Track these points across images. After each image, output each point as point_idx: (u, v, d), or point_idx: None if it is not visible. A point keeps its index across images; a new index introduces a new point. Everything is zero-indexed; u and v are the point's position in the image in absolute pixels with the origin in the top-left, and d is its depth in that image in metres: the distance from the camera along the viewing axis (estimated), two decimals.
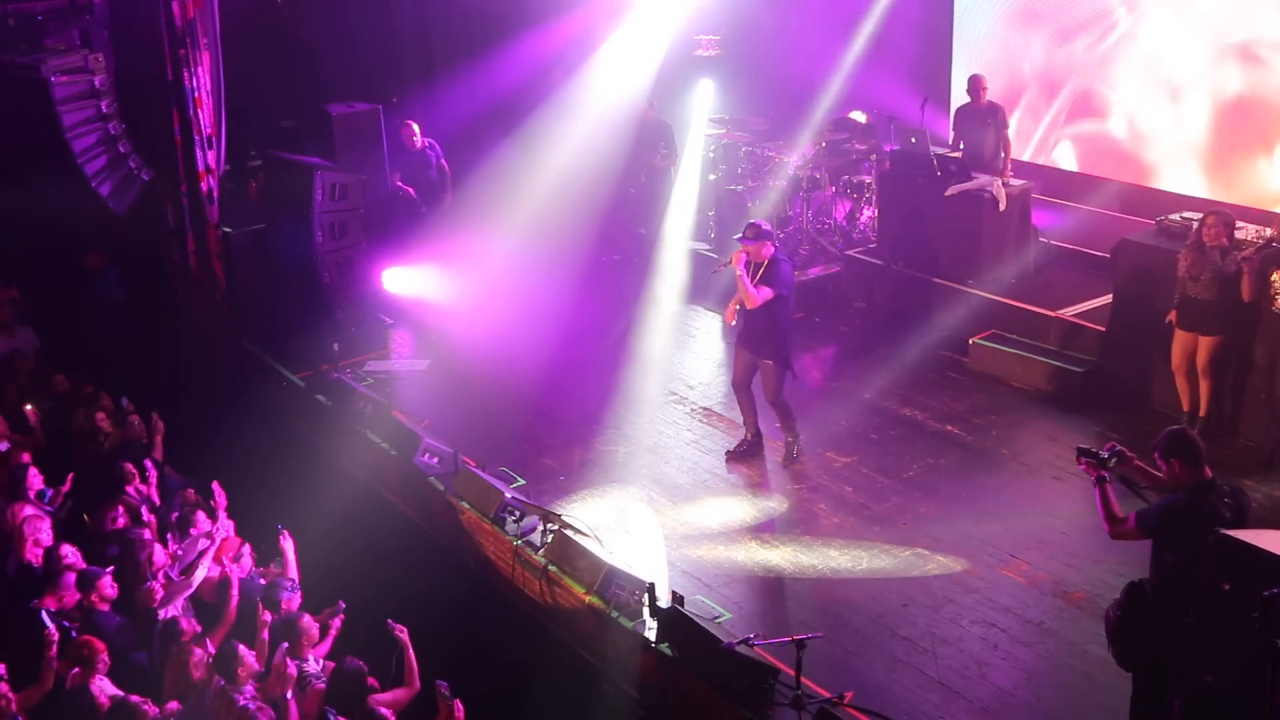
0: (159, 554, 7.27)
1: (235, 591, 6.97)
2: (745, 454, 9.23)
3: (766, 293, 8.64)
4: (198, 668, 6.13)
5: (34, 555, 7.26)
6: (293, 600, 6.98)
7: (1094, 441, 7.85)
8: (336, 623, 6.95)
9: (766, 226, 8.85)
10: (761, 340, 8.87)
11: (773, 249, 8.74)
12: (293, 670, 6.12)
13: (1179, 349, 8.89)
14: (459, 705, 5.85)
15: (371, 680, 6.31)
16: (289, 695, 6.01)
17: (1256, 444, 8.72)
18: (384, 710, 5.90)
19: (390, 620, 6.54)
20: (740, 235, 8.85)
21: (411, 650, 6.46)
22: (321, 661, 6.65)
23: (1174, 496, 5.58)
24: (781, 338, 8.83)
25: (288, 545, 7.51)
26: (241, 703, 5.80)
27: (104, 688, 6.07)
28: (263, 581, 7.35)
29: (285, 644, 6.48)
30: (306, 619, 6.68)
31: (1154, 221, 9.87)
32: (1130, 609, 5.70)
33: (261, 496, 8.45)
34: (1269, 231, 8.90)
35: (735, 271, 8.67)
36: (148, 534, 7.48)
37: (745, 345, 9.02)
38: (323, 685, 6.30)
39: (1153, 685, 5.75)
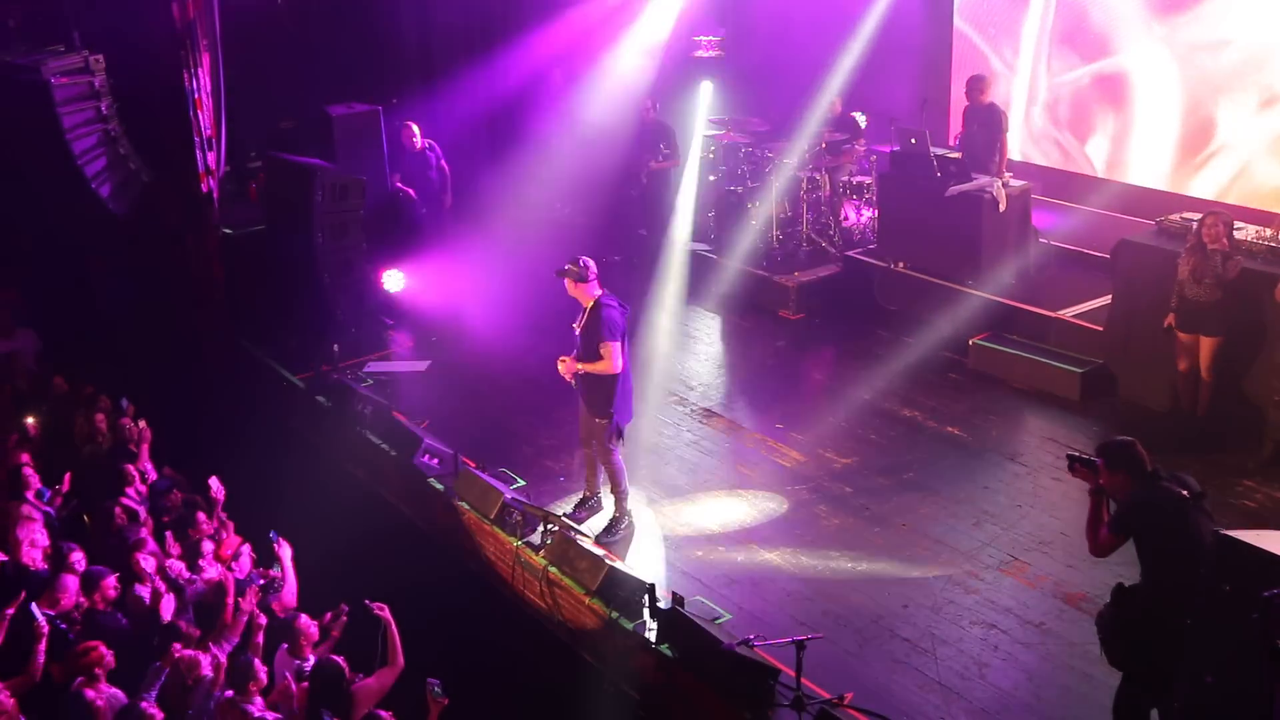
0: (157, 555, 7.27)
1: (231, 593, 6.97)
2: (584, 517, 8.42)
3: (613, 348, 7.70)
4: (194, 670, 6.13)
5: (30, 557, 7.26)
6: (282, 599, 7.01)
7: (1092, 443, 7.84)
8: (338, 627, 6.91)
9: (594, 267, 7.86)
10: (591, 396, 7.97)
11: (599, 291, 7.84)
12: (295, 689, 6.13)
13: (1183, 351, 8.89)
14: (436, 704, 5.90)
15: (354, 679, 6.30)
16: (295, 708, 6.02)
17: (1257, 444, 8.71)
18: (382, 712, 5.90)
19: (367, 600, 6.52)
20: (562, 269, 7.84)
21: (394, 627, 6.44)
22: None
23: (1132, 492, 5.64)
24: (609, 394, 7.89)
25: (284, 552, 7.50)
26: (256, 714, 5.81)
27: (105, 692, 6.05)
28: (262, 583, 7.36)
29: (285, 644, 6.49)
30: (305, 620, 6.67)
31: (1154, 221, 9.86)
32: (1119, 609, 5.74)
33: (261, 497, 8.45)
34: (1269, 232, 8.90)
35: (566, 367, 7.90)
36: (145, 534, 7.49)
37: (582, 399, 8.11)
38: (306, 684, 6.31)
39: (1143, 683, 5.78)
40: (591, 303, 7.82)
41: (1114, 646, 5.80)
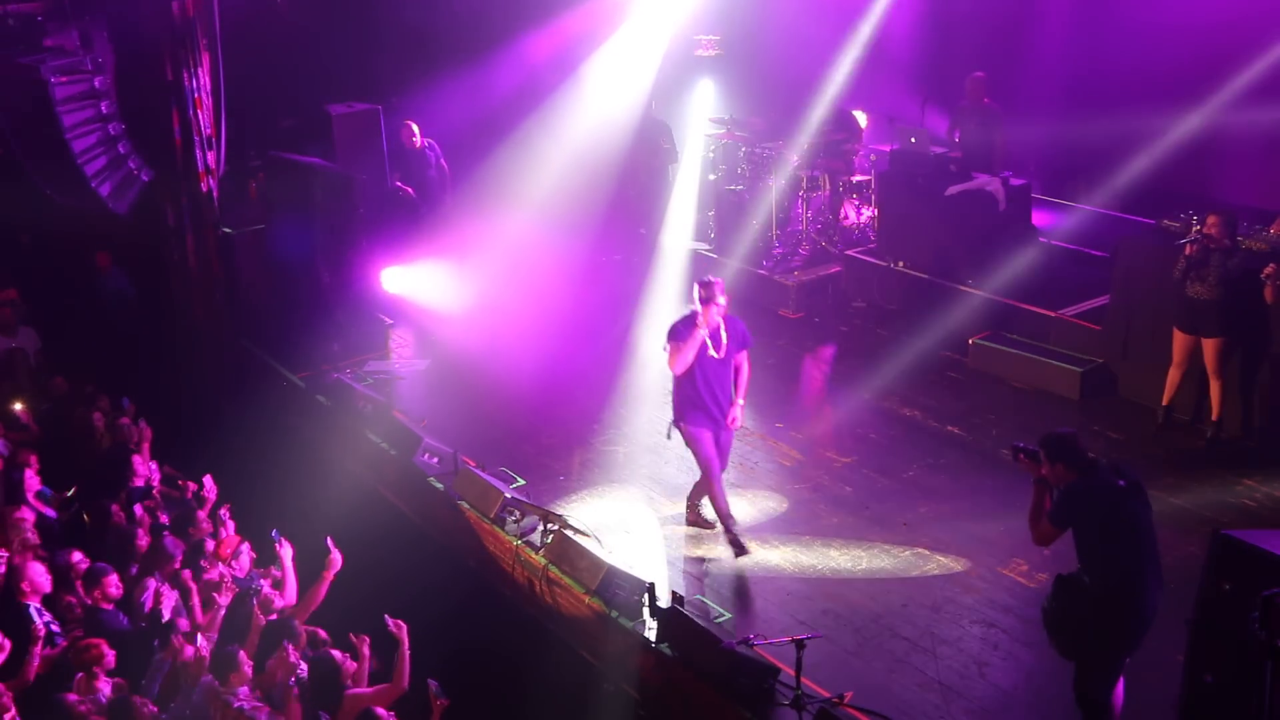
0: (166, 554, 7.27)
1: (226, 592, 6.97)
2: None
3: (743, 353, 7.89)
4: (189, 668, 6.14)
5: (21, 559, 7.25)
6: (275, 599, 7.01)
7: (1092, 444, 7.85)
8: (365, 650, 6.81)
9: (720, 280, 7.70)
10: (731, 403, 7.88)
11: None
12: (294, 657, 6.11)
13: (1180, 349, 8.88)
14: (437, 705, 5.89)
15: (350, 666, 6.28)
16: (291, 682, 5.99)
17: (1256, 443, 8.71)
18: (381, 711, 5.89)
19: (388, 616, 6.52)
20: (703, 295, 7.51)
21: (406, 648, 6.43)
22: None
23: (1069, 483, 5.78)
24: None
25: (285, 552, 7.49)
26: (236, 704, 5.81)
27: (101, 691, 6.05)
28: (264, 583, 7.37)
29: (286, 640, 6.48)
30: (296, 623, 6.68)
31: (1154, 221, 9.86)
32: (1061, 599, 5.86)
33: (261, 496, 8.44)
34: (1270, 231, 8.90)
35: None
36: (142, 533, 7.49)
37: (720, 420, 7.84)
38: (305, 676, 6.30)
39: (1092, 669, 5.88)
40: (723, 319, 7.65)
41: (1060, 637, 5.93)
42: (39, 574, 6.80)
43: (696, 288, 7.60)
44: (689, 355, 7.60)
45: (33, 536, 7.42)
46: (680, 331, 7.64)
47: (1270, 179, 11.25)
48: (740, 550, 7.94)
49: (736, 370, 7.84)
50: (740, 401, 7.85)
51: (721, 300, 7.56)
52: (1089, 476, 5.75)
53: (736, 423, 7.89)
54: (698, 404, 7.77)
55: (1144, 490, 5.81)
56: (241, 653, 6.15)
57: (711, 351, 7.66)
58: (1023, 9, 13.20)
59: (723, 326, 7.66)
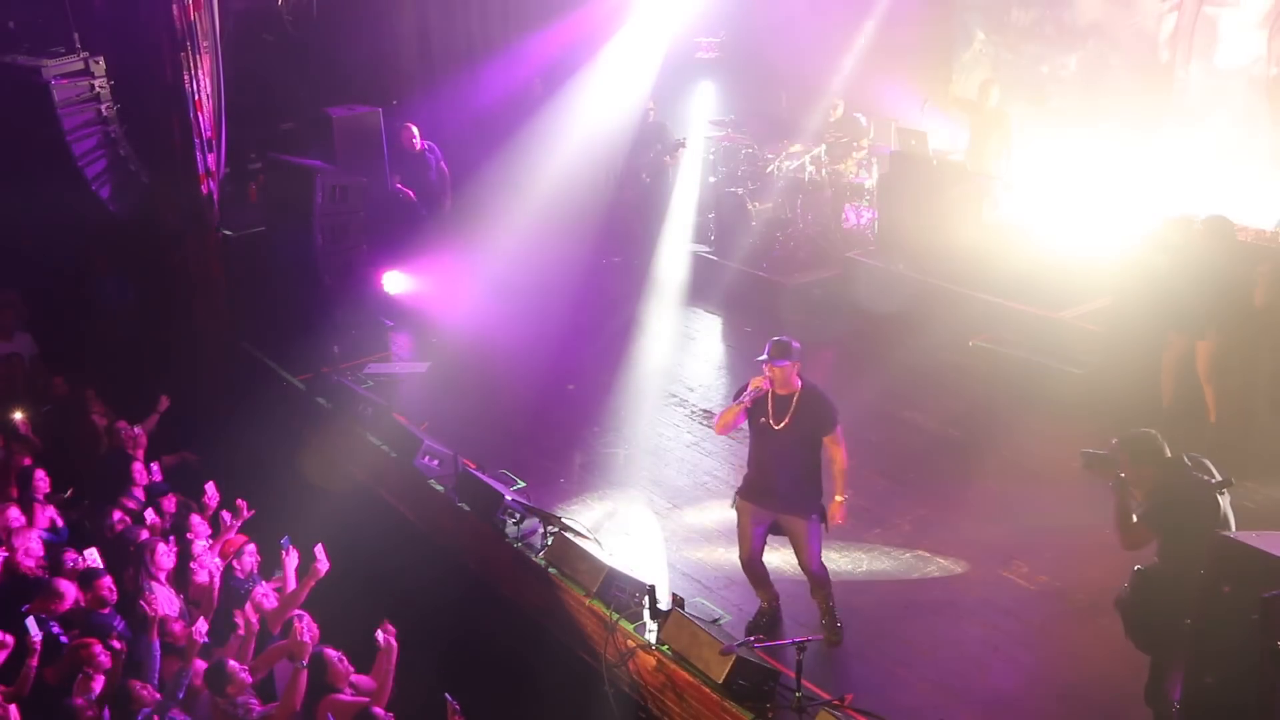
0: (160, 555, 7.27)
1: (217, 590, 6.99)
2: (769, 626, 7.29)
3: (839, 437, 6.81)
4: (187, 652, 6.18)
5: (25, 566, 7.25)
6: (266, 601, 7.04)
7: (1092, 444, 7.84)
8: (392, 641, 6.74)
9: (797, 344, 6.73)
10: (804, 493, 6.85)
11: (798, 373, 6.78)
12: (307, 637, 6.10)
13: (1176, 351, 8.88)
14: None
15: (346, 668, 6.28)
16: (304, 662, 6.00)
17: (1256, 445, 8.70)
18: (379, 711, 5.89)
19: (379, 629, 6.46)
20: (765, 354, 6.68)
21: (394, 663, 6.36)
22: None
23: (1164, 487, 5.63)
24: (819, 484, 6.90)
25: (289, 560, 7.48)
26: (241, 714, 5.83)
27: (95, 689, 6.05)
28: (268, 585, 7.38)
29: (299, 615, 6.49)
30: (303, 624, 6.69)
31: (1154, 222, 9.85)
32: (1144, 594, 5.72)
33: (262, 499, 8.44)
34: (1269, 232, 8.90)
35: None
36: (145, 534, 7.50)
37: (774, 505, 6.90)
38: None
39: (1176, 666, 5.76)
40: (799, 386, 6.75)
41: (1141, 633, 5.82)
42: (71, 590, 6.79)
43: (767, 346, 6.75)
44: (729, 418, 6.84)
45: (38, 547, 7.41)
46: (740, 390, 6.87)
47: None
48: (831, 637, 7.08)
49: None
50: (838, 497, 6.81)
51: (781, 364, 6.63)
52: (1182, 478, 5.56)
53: (836, 519, 6.84)
54: (749, 476, 7.04)
55: (1230, 485, 5.60)
56: (231, 662, 6.14)
57: (768, 420, 6.74)
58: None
59: (796, 397, 6.72)
